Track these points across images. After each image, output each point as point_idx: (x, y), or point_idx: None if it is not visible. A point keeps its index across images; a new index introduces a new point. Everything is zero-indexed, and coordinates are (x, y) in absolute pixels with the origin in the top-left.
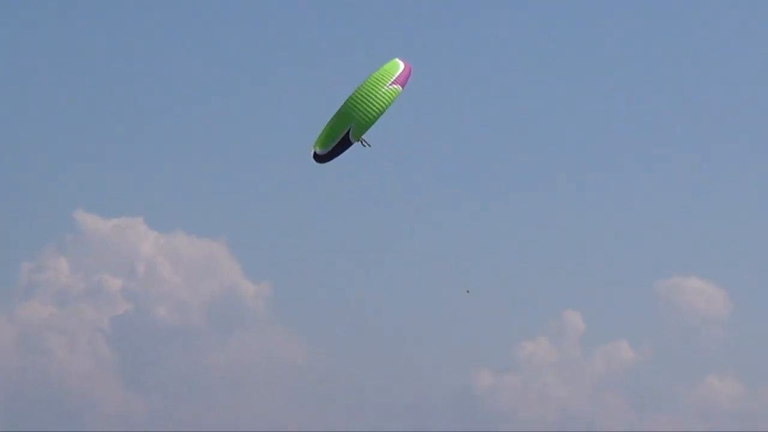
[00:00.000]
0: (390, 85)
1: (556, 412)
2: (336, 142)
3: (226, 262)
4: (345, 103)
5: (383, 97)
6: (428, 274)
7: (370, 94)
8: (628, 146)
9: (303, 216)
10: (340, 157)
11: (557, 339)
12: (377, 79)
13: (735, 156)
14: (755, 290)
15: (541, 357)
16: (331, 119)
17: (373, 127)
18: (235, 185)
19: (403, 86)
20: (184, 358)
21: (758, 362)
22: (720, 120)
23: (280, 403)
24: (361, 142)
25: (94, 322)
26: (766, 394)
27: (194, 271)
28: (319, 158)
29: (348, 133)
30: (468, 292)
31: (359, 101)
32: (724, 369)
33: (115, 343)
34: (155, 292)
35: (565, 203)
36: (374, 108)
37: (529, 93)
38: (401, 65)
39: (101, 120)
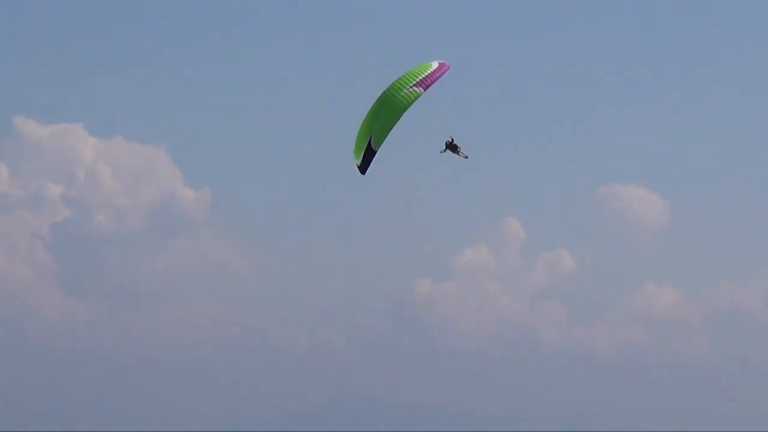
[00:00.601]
0: (411, 87)
1: (496, 320)
2: (363, 151)
3: (167, 168)
4: (369, 110)
5: (400, 102)
6: (370, 184)
7: (388, 101)
8: (571, 58)
9: (243, 123)
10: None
11: (497, 247)
12: (399, 83)
13: (678, 68)
14: (694, 198)
15: (481, 265)
16: (360, 126)
17: None
18: (176, 91)
19: (426, 88)
20: (123, 264)
21: (695, 269)
22: (664, 33)
23: (218, 310)
24: (459, 152)
25: (33, 228)
26: (702, 300)
27: (134, 178)
28: (360, 169)
29: (371, 141)
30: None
31: (378, 108)
32: (662, 276)
33: (55, 250)
34: (95, 199)
35: (506, 111)
36: (391, 114)
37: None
38: (433, 66)
39: (42, 25)
